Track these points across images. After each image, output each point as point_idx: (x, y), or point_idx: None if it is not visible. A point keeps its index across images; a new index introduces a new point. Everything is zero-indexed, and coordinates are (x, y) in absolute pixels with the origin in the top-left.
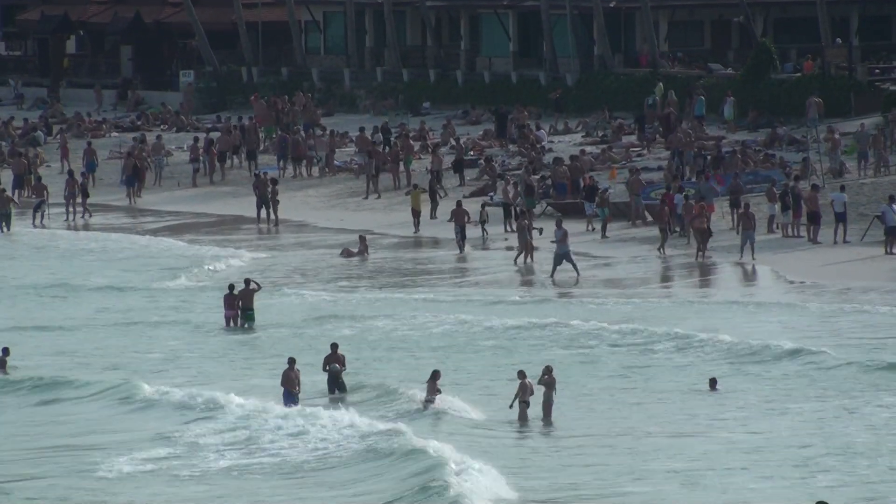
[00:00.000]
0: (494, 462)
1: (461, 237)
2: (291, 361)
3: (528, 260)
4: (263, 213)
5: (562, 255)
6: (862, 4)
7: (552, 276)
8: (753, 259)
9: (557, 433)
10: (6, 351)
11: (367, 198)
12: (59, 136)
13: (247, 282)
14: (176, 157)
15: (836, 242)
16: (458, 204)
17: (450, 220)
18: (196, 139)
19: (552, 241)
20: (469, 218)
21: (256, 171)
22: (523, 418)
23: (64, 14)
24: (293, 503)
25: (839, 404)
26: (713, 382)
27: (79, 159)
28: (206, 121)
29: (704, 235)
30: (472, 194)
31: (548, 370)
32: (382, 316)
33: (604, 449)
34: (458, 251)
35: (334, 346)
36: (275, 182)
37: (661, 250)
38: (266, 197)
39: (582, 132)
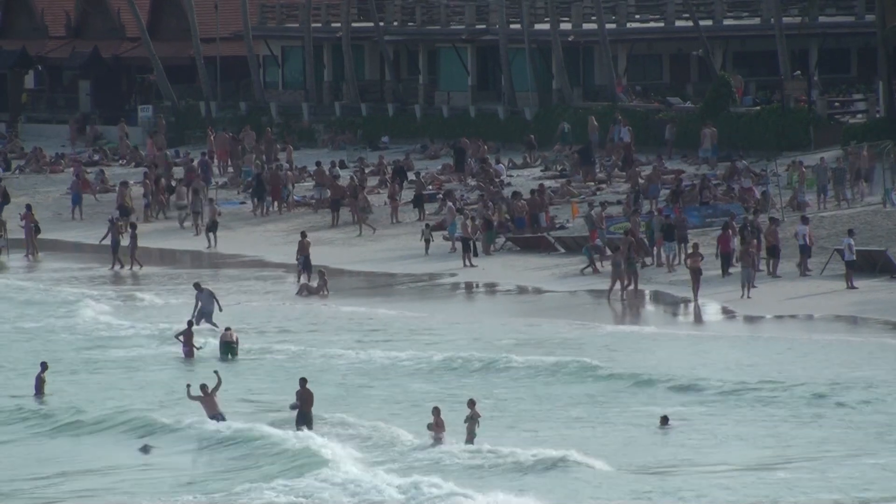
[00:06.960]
0: None
1: (301, 267)
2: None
3: (624, 293)
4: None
5: (202, 315)
6: (821, 38)
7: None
8: (749, 296)
9: None
10: (44, 366)
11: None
12: None
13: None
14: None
15: (802, 274)
16: (303, 235)
17: (298, 252)
18: (146, 174)
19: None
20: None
21: (110, 217)
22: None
23: (22, 49)
24: None
25: None
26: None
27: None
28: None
29: (698, 275)
30: (434, 228)
31: (470, 403)
32: None
33: None
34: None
35: (303, 381)
36: (133, 227)
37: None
38: (118, 241)
39: (541, 166)
